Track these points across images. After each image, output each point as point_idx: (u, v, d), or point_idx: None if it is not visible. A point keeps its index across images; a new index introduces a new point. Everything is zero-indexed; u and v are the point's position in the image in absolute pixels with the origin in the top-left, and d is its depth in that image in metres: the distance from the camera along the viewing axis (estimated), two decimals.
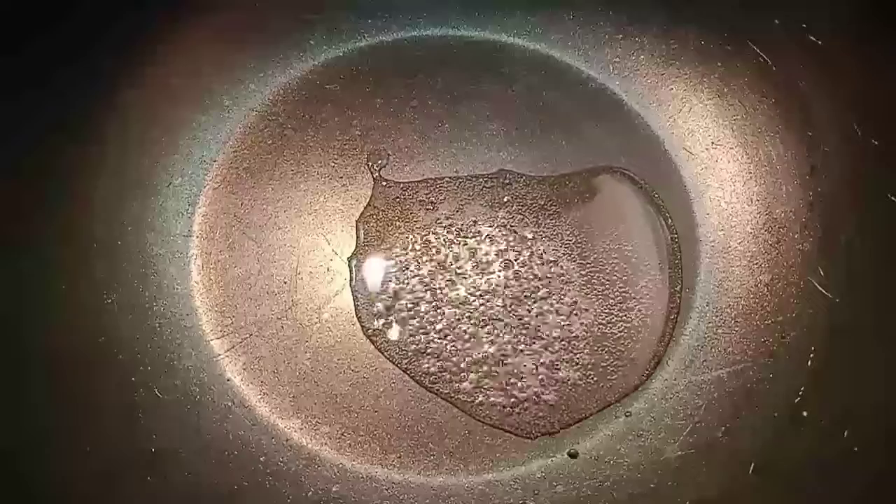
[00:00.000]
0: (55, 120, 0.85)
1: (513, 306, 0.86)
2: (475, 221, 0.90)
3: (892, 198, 0.80)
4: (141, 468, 0.77)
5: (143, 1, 0.92)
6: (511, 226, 0.90)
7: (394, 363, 0.84)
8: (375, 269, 0.88)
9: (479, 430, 0.81)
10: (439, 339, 0.85)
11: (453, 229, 0.90)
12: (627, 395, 0.83)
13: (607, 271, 0.88)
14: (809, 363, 0.80)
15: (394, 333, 0.85)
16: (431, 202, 0.92)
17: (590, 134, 0.96)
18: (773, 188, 0.90)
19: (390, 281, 0.88)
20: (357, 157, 0.95)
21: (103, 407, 0.79)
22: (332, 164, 0.94)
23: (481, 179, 0.93)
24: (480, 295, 0.87)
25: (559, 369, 0.84)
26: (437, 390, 0.83)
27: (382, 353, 0.84)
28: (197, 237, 0.91)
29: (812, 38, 0.88)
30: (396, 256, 0.89)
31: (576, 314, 0.86)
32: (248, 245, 0.91)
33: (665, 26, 0.98)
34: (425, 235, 0.90)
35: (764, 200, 0.90)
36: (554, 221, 0.91)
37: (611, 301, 0.87)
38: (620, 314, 0.86)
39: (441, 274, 0.88)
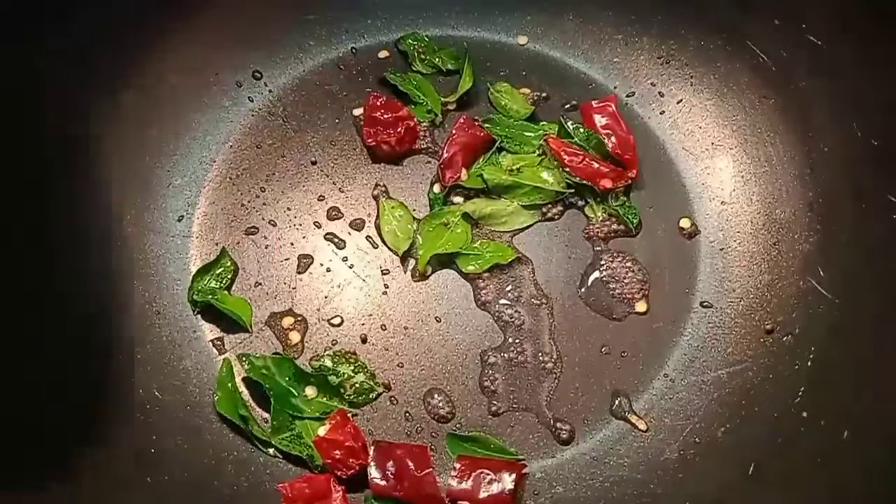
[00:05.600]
0: (54, 120, 0.85)
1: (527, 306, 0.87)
2: None
3: (892, 198, 0.80)
4: (141, 468, 0.77)
5: (143, 1, 0.93)
6: None
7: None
8: None
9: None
10: None
11: None
12: None
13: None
14: (809, 363, 0.80)
15: None
16: None
17: None
18: (773, 188, 0.90)
19: None
20: (357, 157, 0.95)
21: (103, 407, 0.79)
22: (332, 165, 0.94)
23: None
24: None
25: None
26: None
27: None
28: (197, 237, 0.91)
29: (812, 38, 0.88)
30: None
31: None
32: (247, 245, 0.91)
33: (665, 26, 0.98)
34: None
35: (764, 200, 0.90)
36: None
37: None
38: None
39: None
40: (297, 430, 0.79)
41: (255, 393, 0.83)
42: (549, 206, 0.91)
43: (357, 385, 0.82)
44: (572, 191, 0.90)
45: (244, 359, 0.82)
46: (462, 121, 0.92)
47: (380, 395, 0.83)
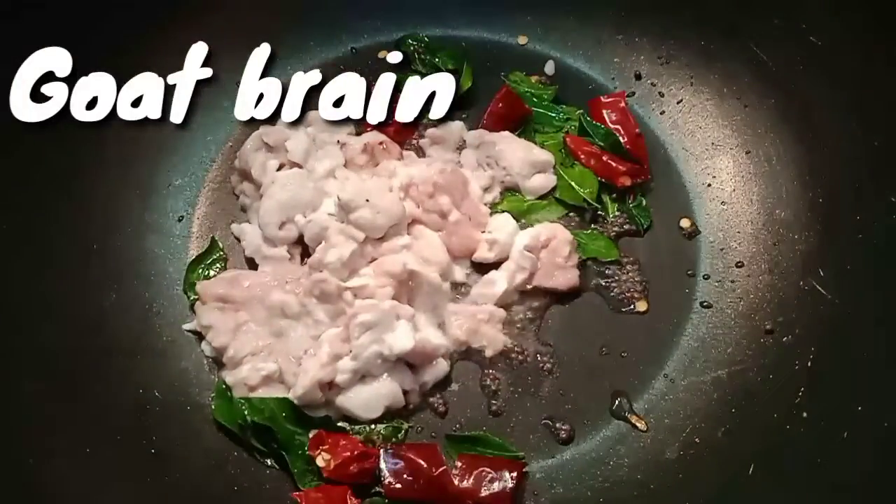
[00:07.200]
0: (54, 121, 0.85)
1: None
2: None
3: (893, 198, 0.80)
4: (141, 468, 0.77)
5: (142, 2, 0.93)
6: None
7: None
8: None
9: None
10: None
11: None
12: None
13: None
14: (809, 363, 0.80)
15: None
16: None
17: None
18: (773, 188, 0.90)
19: None
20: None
21: (103, 407, 0.79)
22: None
23: None
24: None
25: None
26: None
27: None
28: (197, 237, 0.91)
29: (812, 38, 0.88)
30: None
31: None
32: None
33: (665, 26, 0.98)
34: None
35: (764, 200, 0.91)
36: None
37: None
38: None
39: None
40: (315, 467, 0.77)
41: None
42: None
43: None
44: (597, 206, 0.91)
45: (244, 403, 0.78)
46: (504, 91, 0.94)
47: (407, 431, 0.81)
